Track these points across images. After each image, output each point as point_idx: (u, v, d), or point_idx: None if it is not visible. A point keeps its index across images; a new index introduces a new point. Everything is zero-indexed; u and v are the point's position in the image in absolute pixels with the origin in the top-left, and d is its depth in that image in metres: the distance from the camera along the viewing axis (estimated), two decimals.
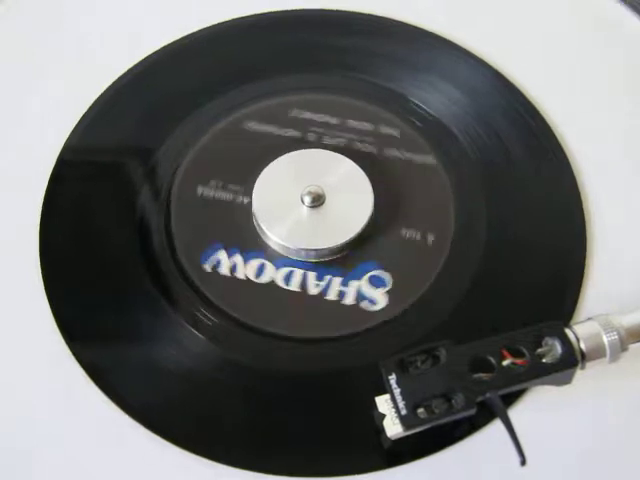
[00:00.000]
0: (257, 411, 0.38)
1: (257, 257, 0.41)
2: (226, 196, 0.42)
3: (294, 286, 0.40)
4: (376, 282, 0.40)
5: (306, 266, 0.41)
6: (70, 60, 0.47)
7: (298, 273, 0.40)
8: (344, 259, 0.41)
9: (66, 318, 0.40)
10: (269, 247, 0.41)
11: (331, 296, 0.40)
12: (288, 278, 0.40)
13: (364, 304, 0.40)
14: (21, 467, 0.37)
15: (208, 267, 0.40)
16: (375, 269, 0.41)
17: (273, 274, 0.40)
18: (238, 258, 0.41)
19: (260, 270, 0.40)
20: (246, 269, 0.40)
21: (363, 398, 0.36)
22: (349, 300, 0.40)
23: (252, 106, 0.45)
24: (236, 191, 0.42)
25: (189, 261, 0.41)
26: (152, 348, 0.39)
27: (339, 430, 0.37)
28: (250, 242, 0.41)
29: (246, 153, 0.43)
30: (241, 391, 0.38)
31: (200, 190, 0.42)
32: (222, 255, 0.41)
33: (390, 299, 0.40)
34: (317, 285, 0.40)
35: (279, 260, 0.41)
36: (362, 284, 0.40)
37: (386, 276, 0.40)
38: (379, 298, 0.40)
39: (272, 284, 0.40)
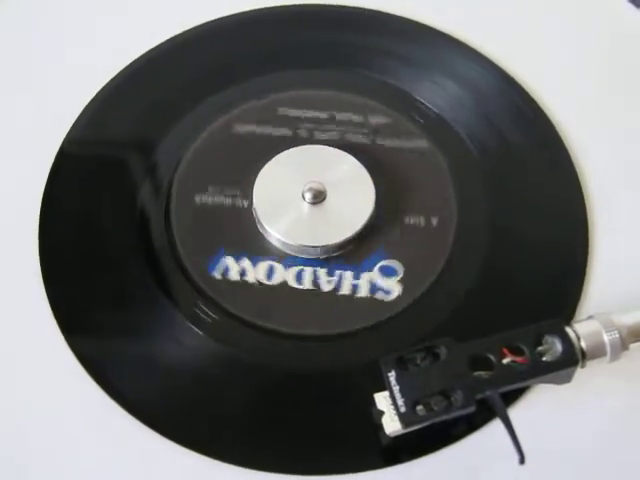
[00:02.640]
0: (256, 408, 0.38)
1: (265, 259, 0.41)
2: (225, 201, 0.42)
3: (307, 284, 0.40)
4: (388, 271, 0.40)
5: (315, 263, 0.40)
6: (71, 56, 0.48)
7: (308, 271, 0.40)
8: (352, 253, 0.41)
9: (64, 312, 0.40)
10: (276, 248, 0.41)
11: (345, 291, 0.40)
12: (300, 277, 0.40)
13: (379, 295, 0.40)
14: (17, 461, 0.37)
15: (217, 274, 0.40)
16: (385, 259, 0.41)
17: (284, 274, 0.40)
18: (246, 262, 0.40)
19: (270, 272, 0.40)
20: (256, 272, 0.40)
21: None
22: (363, 293, 0.40)
23: (239, 107, 0.45)
24: (234, 195, 0.42)
25: (196, 270, 0.40)
26: (151, 344, 0.39)
27: (340, 428, 0.37)
28: (256, 245, 0.41)
29: (239, 156, 0.43)
30: (256, 389, 0.38)
31: (198, 198, 0.42)
32: (230, 261, 0.40)
33: (404, 287, 0.40)
34: (329, 281, 0.40)
35: (287, 260, 0.40)
36: (374, 275, 0.40)
37: (396, 264, 0.40)
38: (393, 287, 0.40)
39: (284, 285, 0.40)
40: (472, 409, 0.34)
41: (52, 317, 0.39)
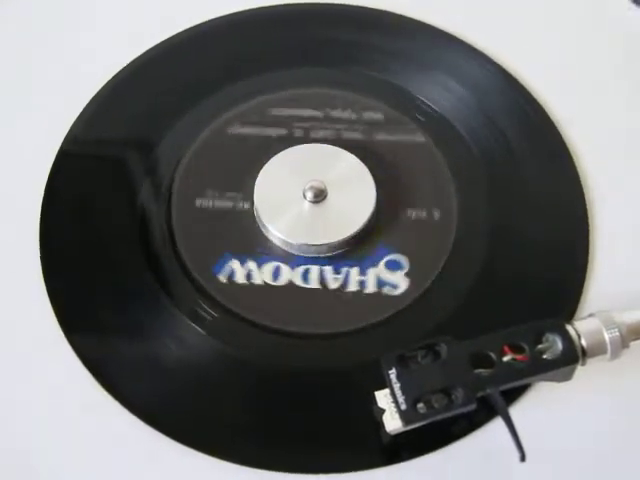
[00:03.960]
0: (257, 407, 0.38)
1: (270, 260, 0.41)
2: (225, 204, 0.42)
3: (313, 283, 0.40)
4: (393, 266, 0.40)
5: (321, 262, 0.40)
6: (71, 55, 0.48)
7: (314, 270, 0.40)
8: (357, 249, 0.41)
9: (65, 311, 0.40)
10: (279, 248, 0.41)
11: (352, 287, 0.40)
12: (306, 276, 0.40)
13: (386, 289, 0.40)
14: (17, 460, 0.37)
15: (223, 278, 0.40)
16: (390, 253, 0.41)
17: (290, 275, 0.40)
18: (252, 264, 0.40)
19: (276, 273, 0.40)
20: (262, 274, 0.40)
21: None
22: (371, 288, 0.40)
23: (232, 110, 0.45)
24: (234, 197, 0.42)
25: (201, 273, 0.40)
26: (152, 343, 0.39)
27: (341, 427, 0.37)
28: (259, 246, 0.41)
29: (236, 158, 0.43)
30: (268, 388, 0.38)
31: (199, 199, 0.42)
32: (235, 264, 0.40)
33: (411, 281, 0.40)
34: (336, 279, 0.40)
35: (293, 260, 0.41)
36: (380, 270, 0.40)
37: (402, 258, 0.40)
38: (399, 281, 0.40)
39: (291, 285, 0.40)
40: (473, 407, 0.34)
41: (53, 316, 0.39)
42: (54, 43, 0.48)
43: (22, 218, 0.42)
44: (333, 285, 0.40)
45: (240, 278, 0.40)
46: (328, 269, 0.40)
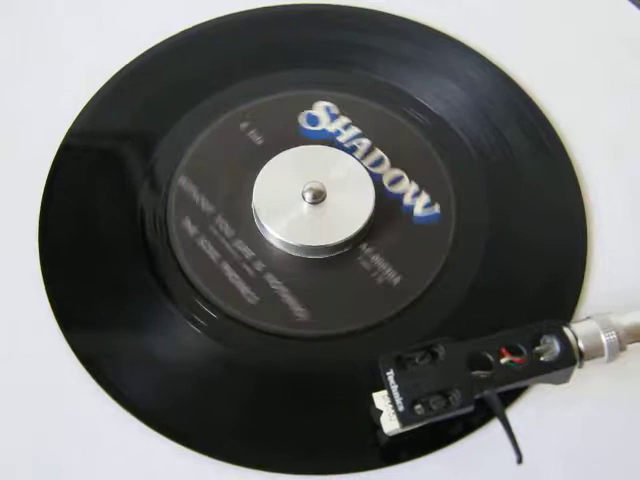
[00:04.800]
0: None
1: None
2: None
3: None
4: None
5: None
6: (73, 52, 0.48)
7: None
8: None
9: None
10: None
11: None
12: None
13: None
14: (17, 459, 0.37)
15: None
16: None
17: None
18: None
19: None
20: None
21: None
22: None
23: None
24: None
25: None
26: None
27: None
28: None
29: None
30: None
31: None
32: None
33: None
34: None
35: None
36: None
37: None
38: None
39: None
40: (470, 409, 0.34)
41: (51, 314, 0.39)
42: (56, 40, 0.48)
43: (22, 215, 0.42)
44: None
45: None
46: None
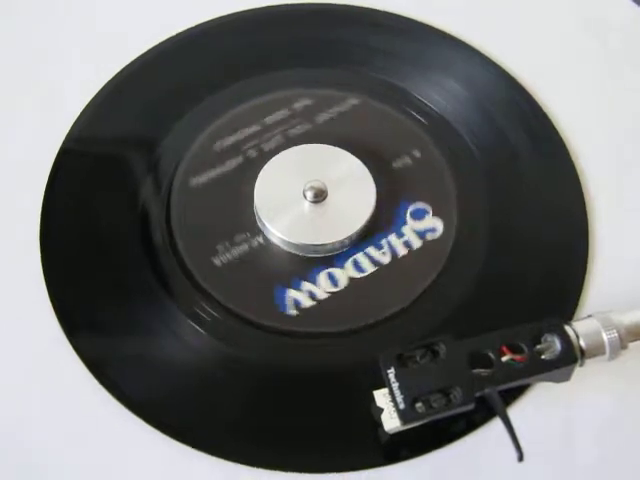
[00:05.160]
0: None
1: (319, 271, 0.40)
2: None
3: (369, 268, 0.40)
4: (419, 214, 0.42)
5: (358, 248, 0.41)
6: (71, 54, 0.48)
7: (360, 256, 0.41)
8: (377, 224, 0.41)
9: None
10: (323, 255, 0.41)
11: (402, 252, 0.41)
12: (358, 267, 0.40)
13: (429, 236, 0.41)
14: (18, 459, 0.37)
15: (293, 311, 0.39)
16: (410, 205, 0.42)
17: (344, 274, 0.40)
18: (307, 285, 0.40)
19: (332, 279, 0.40)
20: (321, 287, 0.40)
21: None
22: (417, 244, 0.41)
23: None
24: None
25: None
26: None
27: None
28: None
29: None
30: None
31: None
32: (293, 293, 0.40)
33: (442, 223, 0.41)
34: (383, 253, 0.41)
35: (336, 260, 0.41)
36: (412, 223, 0.41)
37: (425, 206, 0.42)
38: (435, 224, 0.41)
39: (354, 281, 0.40)
40: (471, 407, 0.34)
41: (54, 316, 0.39)
42: (55, 42, 0.48)
43: (23, 218, 0.42)
44: (385, 260, 0.40)
45: (307, 302, 0.40)
46: (371, 249, 0.41)
